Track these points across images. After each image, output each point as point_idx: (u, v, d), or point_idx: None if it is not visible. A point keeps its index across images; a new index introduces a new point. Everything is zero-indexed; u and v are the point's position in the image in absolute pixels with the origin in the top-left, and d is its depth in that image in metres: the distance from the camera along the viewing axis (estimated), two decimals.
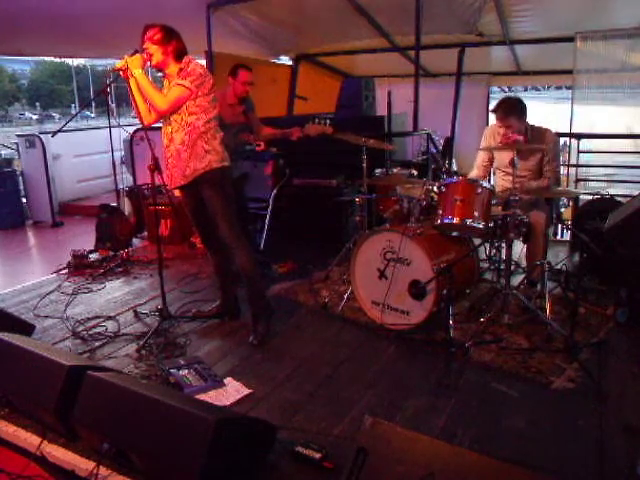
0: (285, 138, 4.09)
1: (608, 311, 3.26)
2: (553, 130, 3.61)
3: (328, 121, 3.79)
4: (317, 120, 3.80)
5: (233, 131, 3.95)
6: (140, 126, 3.28)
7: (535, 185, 3.44)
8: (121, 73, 2.89)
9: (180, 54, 2.92)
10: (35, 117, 33.57)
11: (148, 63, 2.91)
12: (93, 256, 4.78)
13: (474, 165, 3.85)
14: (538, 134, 3.50)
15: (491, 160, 3.77)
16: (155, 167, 2.97)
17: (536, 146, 3.44)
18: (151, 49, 2.88)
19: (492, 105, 3.69)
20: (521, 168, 3.45)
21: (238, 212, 4.36)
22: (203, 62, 6.37)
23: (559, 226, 4.86)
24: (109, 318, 3.47)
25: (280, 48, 7.25)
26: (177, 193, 3.26)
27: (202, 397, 2.46)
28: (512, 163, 3.11)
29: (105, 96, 3.04)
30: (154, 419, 1.92)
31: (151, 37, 2.87)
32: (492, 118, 3.66)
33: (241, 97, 3.98)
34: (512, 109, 3.44)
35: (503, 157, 3.61)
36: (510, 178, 3.26)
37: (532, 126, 3.52)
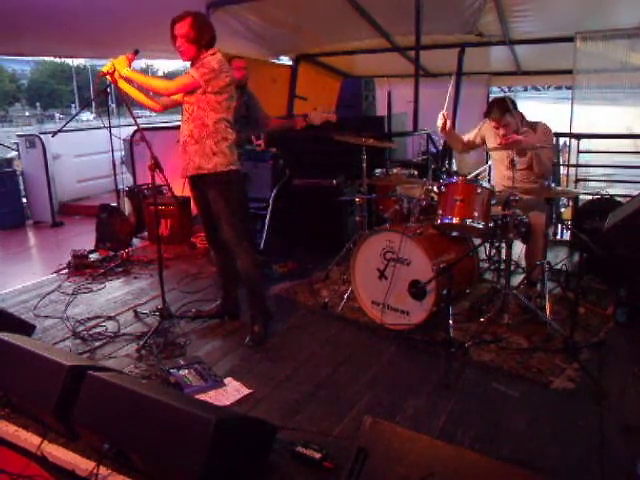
0: (290, 127, 4.18)
1: (608, 311, 3.26)
2: (551, 127, 3.62)
3: (333, 109, 3.84)
4: (321, 109, 3.88)
5: (236, 126, 3.98)
6: (138, 127, 3.28)
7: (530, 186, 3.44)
8: (108, 77, 2.85)
9: (211, 44, 2.90)
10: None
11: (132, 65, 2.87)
12: (93, 256, 4.78)
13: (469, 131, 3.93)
14: (530, 128, 3.53)
15: (479, 142, 3.85)
16: (155, 167, 2.97)
17: (538, 145, 3.43)
18: (183, 47, 2.86)
19: None
20: (519, 162, 3.45)
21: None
22: None
23: (559, 226, 4.86)
24: (109, 318, 3.47)
25: (280, 48, 7.25)
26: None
27: (202, 397, 2.46)
28: (512, 163, 3.11)
29: (105, 97, 3.04)
30: (154, 419, 1.92)
31: (185, 34, 2.83)
32: None
33: (240, 83, 4.00)
34: (505, 107, 3.46)
35: (502, 155, 3.63)
36: (510, 176, 3.26)
37: (527, 121, 3.55)
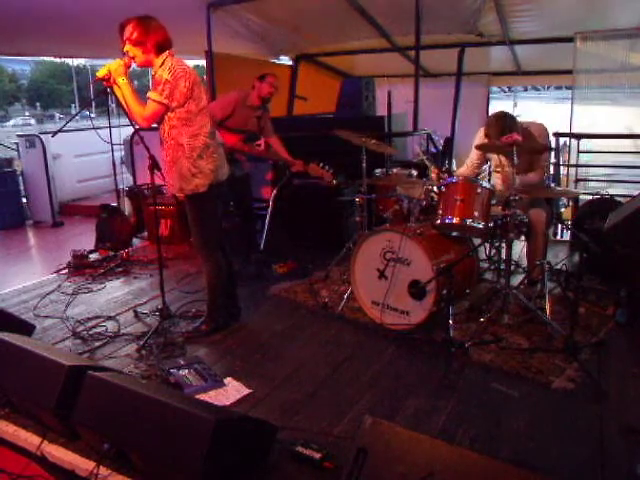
0: (285, 164, 4.30)
1: (608, 311, 3.26)
2: (549, 128, 3.60)
3: (331, 170, 4.03)
4: (322, 164, 4.05)
5: (241, 138, 4.04)
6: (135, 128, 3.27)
7: (519, 180, 3.40)
8: (104, 82, 2.75)
9: (160, 47, 2.75)
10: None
11: (132, 65, 2.77)
12: (93, 256, 4.78)
13: (465, 162, 3.84)
14: (527, 131, 3.49)
15: (482, 162, 3.76)
16: (154, 166, 2.96)
17: (537, 143, 3.42)
18: (132, 51, 2.75)
19: (491, 105, 3.68)
20: (519, 163, 3.44)
21: (245, 212, 4.41)
22: (202, 62, 6.39)
23: (559, 226, 4.86)
24: (109, 318, 3.47)
25: (280, 48, 7.25)
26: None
27: (202, 397, 2.46)
28: (512, 163, 3.11)
29: (105, 97, 3.02)
30: (154, 419, 1.92)
31: (129, 38, 2.73)
32: None
33: (265, 98, 4.09)
34: (510, 125, 3.28)
35: (499, 157, 3.60)
36: (510, 176, 3.25)
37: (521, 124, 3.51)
